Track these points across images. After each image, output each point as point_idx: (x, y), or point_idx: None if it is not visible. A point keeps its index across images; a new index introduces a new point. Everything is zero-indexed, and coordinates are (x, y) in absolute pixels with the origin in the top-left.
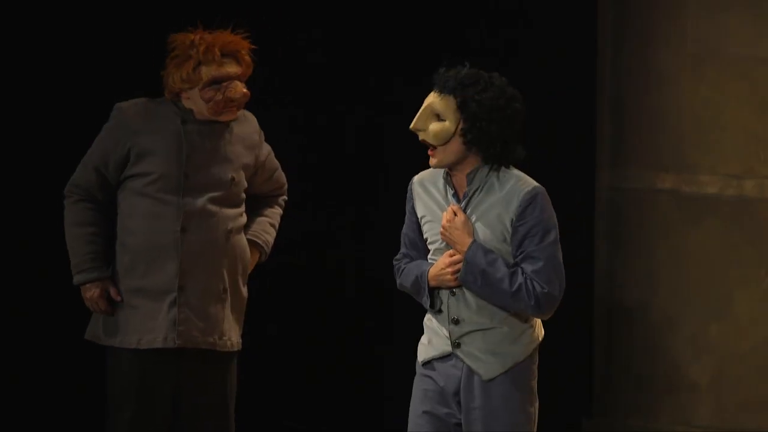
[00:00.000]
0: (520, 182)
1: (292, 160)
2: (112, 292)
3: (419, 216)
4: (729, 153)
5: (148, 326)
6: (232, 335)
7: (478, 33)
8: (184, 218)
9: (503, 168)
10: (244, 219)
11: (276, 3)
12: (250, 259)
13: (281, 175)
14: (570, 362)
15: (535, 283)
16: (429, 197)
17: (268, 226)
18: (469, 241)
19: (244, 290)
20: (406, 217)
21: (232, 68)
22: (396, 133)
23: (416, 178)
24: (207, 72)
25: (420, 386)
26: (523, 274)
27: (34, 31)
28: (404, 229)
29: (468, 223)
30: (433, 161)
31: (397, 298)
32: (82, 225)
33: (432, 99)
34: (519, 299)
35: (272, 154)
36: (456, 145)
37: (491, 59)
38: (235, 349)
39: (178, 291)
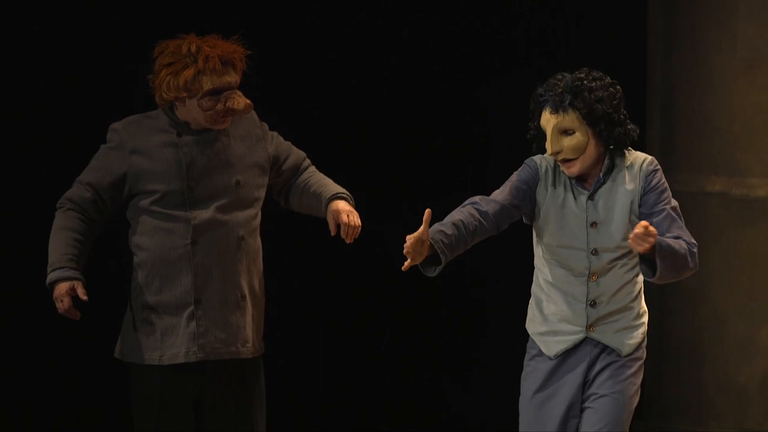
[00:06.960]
0: (638, 156)
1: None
2: (80, 291)
3: (538, 200)
4: None
5: (168, 342)
6: (256, 340)
7: (527, 37)
8: (193, 231)
9: (623, 150)
10: (258, 219)
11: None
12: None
13: (297, 150)
14: None
15: (685, 240)
16: (554, 190)
17: (328, 181)
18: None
19: (262, 293)
20: (516, 182)
21: (230, 77)
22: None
23: (542, 159)
24: (208, 81)
25: (552, 387)
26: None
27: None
28: (510, 188)
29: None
30: (573, 170)
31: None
32: (66, 229)
33: (554, 120)
34: (694, 257)
35: (280, 138)
36: (591, 149)
37: (541, 66)
38: (260, 353)
39: (195, 304)
